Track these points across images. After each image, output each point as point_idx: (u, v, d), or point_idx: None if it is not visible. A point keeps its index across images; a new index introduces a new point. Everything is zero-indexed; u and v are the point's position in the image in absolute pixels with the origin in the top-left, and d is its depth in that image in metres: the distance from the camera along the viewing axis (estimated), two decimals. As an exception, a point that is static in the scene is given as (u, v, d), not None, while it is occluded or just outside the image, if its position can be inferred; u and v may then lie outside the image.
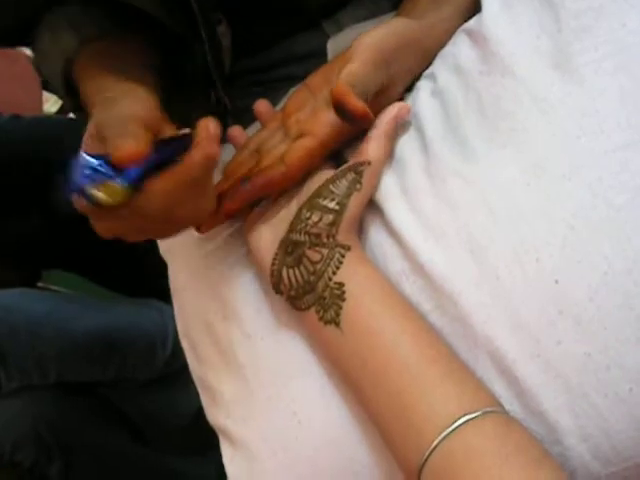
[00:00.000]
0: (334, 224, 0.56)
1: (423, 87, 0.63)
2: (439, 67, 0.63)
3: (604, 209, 0.50)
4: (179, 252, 0.69)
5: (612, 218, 0.50)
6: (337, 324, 0.54)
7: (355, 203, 0.57)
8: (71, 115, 1.49)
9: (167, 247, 0.69)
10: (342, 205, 0.56)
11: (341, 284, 0.54)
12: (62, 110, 1.58)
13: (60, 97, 0.74)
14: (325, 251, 0.55)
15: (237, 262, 0.65)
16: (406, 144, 0.60)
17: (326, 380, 0.57)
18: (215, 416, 0.63)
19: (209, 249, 0.68)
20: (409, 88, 0.65)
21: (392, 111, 0.60)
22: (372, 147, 0.58)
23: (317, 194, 0.58)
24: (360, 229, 0.60)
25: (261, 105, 0.68)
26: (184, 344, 0.68)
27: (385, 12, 0.77)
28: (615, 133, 0.52)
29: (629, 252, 0.49)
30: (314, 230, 0.56)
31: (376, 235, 0.58)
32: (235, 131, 0.69)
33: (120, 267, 1.39)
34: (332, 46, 0.77)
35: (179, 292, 0.69)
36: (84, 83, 0.62)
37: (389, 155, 0.60)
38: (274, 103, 0.72)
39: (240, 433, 0.61)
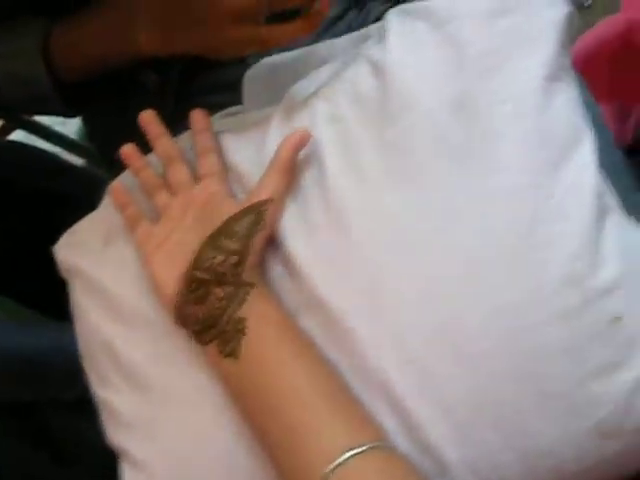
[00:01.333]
0: (239, 264, 0.57)
1: (320, 110, 0.63)
2: (337, 91, 0.63)
3: (495, 246, 0.53)
4: (78, 271, 0.69)
5: (502, 254, 0.53)
6: (236, 357, 0.55)
7: (258, 242, 0.58)
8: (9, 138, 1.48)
9: (67, 266, 0.70)
10: (245, 246, 0.58)
11: (243, 319, 0.55)
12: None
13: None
14: (230, 289, 0.57)
15: (136, 283, 0.65)
16: (306, 174, 0.61)
17: (224, 409, 0.58)
18: (116, 437, 0.64)
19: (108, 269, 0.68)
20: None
21: (292, 141, 0.60)
22: (273, 182, 0.59)
23: (220, 232, 0.58)
24: (262, 262, 0.61)
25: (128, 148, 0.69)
26: (85, 365, 0.68)
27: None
28: (514, 175, 0.54)
29: (517, 289, 0.52)
30: (220, 269, 0.57)
31: (276, 269, 0.60)
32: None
33: (46, 290, 1.37)
34: (248, 78, 0.79)
35: (78, 312, 0.69)
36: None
37: (290, 187, 0.61)
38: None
39: (141, 455, 0.61)
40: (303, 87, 0.67)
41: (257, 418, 0.54)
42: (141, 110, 0.68)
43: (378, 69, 0.60)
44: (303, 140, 0.60)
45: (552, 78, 0.56)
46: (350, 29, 0.93)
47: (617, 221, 0.55)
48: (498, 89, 0.56)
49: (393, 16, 0.61)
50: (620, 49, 1.31)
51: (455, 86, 0.56)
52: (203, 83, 0.94)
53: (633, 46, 1.29)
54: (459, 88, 0.56)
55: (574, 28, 0.60)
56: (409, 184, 0.56)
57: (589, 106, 0.68)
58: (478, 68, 0.57)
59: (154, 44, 0.71)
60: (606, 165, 0.61)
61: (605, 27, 1.34)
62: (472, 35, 0.58)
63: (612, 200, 0.56)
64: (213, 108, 0.75)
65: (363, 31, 0.71)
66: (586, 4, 1.81)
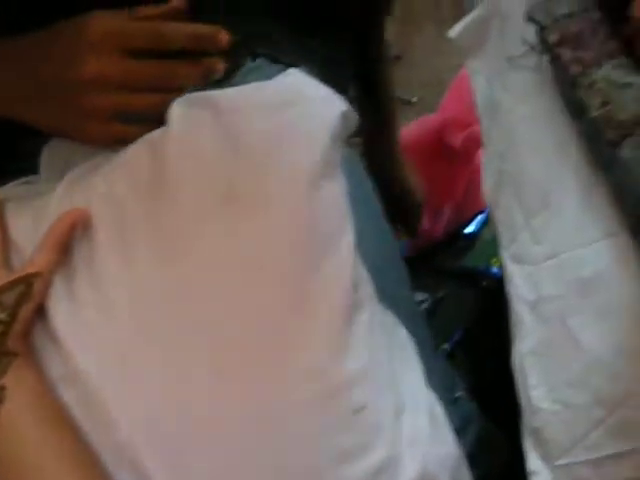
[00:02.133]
0: (4, 334, 0.56)
1: (98, 188, 0.63)
2: (114, 170, 0.64)
3: (243, 338, 0.55)
4: None
5: (251, 346, 0.55)
6: None
7: (25, 314, 0.57)
8: None
9: None
10: (12, 316, 0.57)
11: (3, 388, 0.54)
12: None
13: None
14: None
15: None
16: (77, 250, 0.61)
17: None
18: None
19: None
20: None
21: (67, 218, 0.61)
22: (44, 256, 0.59)
23: None
24: (28, 333, 0.60)
25: None
26: None
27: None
28: (269, 269, 0.56)
29: (265, 379, 0.53)
30: None
31: (42, 340, 0.59)
32: None
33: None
34: (49, 147, 0.78)
35: None
36: None
37: (61, 262, 0.60)
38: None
39: None
40: (92, 163, 0.68)
41: None
42: None
43: (156, 151, 0.61)
44: (78, 218, 0.61)
45: (320, 174, 0.59)
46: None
47: (368, 315, 0.58)
48: (267, 181, 0.58)
49: (178, 102, 0.63)
50: (433, 148, 1.40)
51: (226, 174, 0.58)
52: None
53: (445, 146, 1.37)
54: (230, 176, 0.58)
55: (349, 126, 0.64)
56: (174, 263, 0.57)
57: (367, 201, 0.72)
58: (251, 158, 0.59)
59: None
60: (377, 259, 0.65)
61: (421, 125, 1.42)
62: (248, 126, 0.60)
63: (367, 294, 0.59)
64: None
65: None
66: (412, 100, 1.92)
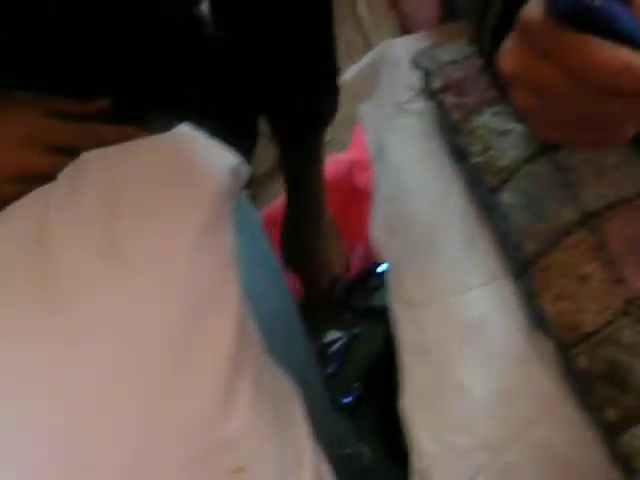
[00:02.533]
0: None
1: None
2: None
3: (126, 390, 0.53)
4: None
5: (135, 397, 0.53)
6: None
7: None
8: None
9: None
10: None
11: None
12: None
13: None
14: None
15: None
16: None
17: None
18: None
19: None
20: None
21: None
22: None
23: None
24: None
25: None
26: None
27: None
28: (154, 326, 0.55)
29: (146, 434, 0.52)
30: None
31: None
32: None
33: None
34: None
35: None
36: None
37: None
38: None
39: None
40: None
41: None
42: None
43: (42, 209, 0.60)
44: None
45: (206, 231, 0.58)
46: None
47: (254, 371, 0.57)
48: (151, 237, 0.57)
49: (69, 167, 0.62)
50: (343, 187, 1.40)
51: (110, 232, 0.57)
52: None
53: (354, 185, 1.38)
54: (113, 234, 0.57)
55: (239, 180, 0.64)
56: (58, 319, 0.55)
57: (261, 256, 0.72)
58: (134, 216, 0.58)
59: None
60: (268, 314, 0.64)
61: (332, 165, 1.43)
62: (134, 183, 0.59)
63: (254, 349, 0.58)
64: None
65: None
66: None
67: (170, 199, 0.59)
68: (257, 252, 0.83)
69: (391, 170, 0.71)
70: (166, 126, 0.66)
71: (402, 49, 0.72)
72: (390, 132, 0.72)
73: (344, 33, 0.91)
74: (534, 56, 0.41)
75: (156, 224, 0.58)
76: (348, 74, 0.75)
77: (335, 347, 1.48)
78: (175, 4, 0.72)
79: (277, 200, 1.36)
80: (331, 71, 0.80)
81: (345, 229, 1.35)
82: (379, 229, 0.72)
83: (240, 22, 0.76)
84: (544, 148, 0.60)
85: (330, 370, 1.43)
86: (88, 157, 0.62)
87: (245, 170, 0.65)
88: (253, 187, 0.91)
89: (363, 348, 1.50)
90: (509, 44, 0.43)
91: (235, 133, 0.72)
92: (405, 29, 0.96)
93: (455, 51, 0.67)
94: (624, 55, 0.38)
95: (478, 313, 0.63)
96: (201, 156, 0.62)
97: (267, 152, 1.13)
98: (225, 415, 0.52)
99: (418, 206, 0.68)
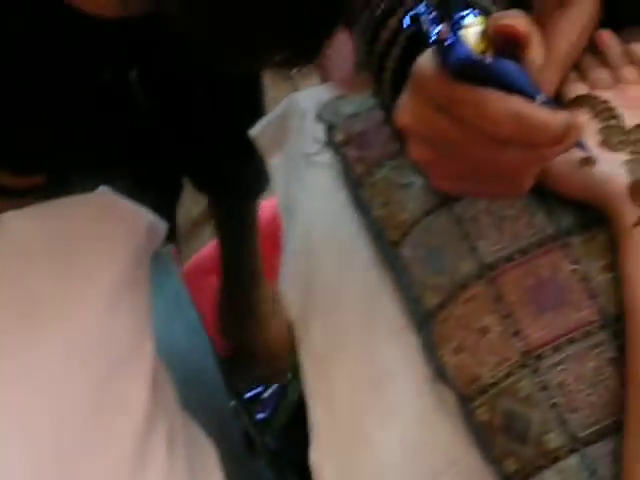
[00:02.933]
0: None
1: None
2: None
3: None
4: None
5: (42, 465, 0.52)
6: None
7: None
8: None
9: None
10: None
11: None
12: None
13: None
14: None
15: None
16: None
17: None
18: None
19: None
20: None
21: None
22: None
23: None
24: None
25: None
26: None
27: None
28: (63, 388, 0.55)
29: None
30: None
31: None
32: None
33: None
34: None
35: None
36: None
37: None
38: None
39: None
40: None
41: None
42: None
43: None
44: None
45: (121, 289, 0.59)
46: None
47: (168, 427, 0.56)
48: (67, 297, 0.57)
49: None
50: (270, 233, 1.40)
51: (26, 290, 0.57)
52: None
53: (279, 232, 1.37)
54: (30, 291, 0.56)
55: (157, 237, 0.63)
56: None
57: (181, 312, 0.72)
58: (51, 275, 0.58)
59: None
60: (185, 369, 0.64)
61: (261, 210, 1.42)
62: (50, 242, 0.59)
63: (168, 406, 0.58)
64: None
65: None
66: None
67: (84, 260, 0.60)
68: (176, 306, 0.83)
69: (299, 223, 0.71)
70: (85, 186, 0.66)
71: (308, 101, 0.73)
72: (298, 185, 0.72)
73: (271, 88, 0.91)
74: (428, 109, 0.42)
75: (69, 286, 0.58)
76: (256, 128, 0.75)
77: (269, 392, 1.47)
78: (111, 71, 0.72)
79: (205, 248, 1.35)
80: None
81: (272, 274, 1.35)
82: (288, 282, 0.72)
83: (168, 90, 0.76)
84: (444, 200, 0.60)
85: (264, 415, 1.42)
86: (5, 217, 0.61)
87: (162, 228, 0.65)
88: (180, 237, 0.90)
89: (296, 394, 1.49)
90: (404, 97, 0.44)
91: (157, 188, 0.72)
92: (325, 79, 0.97)
93: (357, 103, 0.68)
94: (513, 105, 0.39)
95: (384, 365, 0.63)
96: (116, 216, 0.63)
97: (194, 201, 1.12)
98: (138, 472, 0.51)
99: (325, 259, 0.68)
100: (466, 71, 0.40)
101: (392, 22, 0.54)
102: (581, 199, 0.56)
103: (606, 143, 0.55)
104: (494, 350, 0.55)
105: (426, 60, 0.42)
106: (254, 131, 0.76)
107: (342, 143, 0.66)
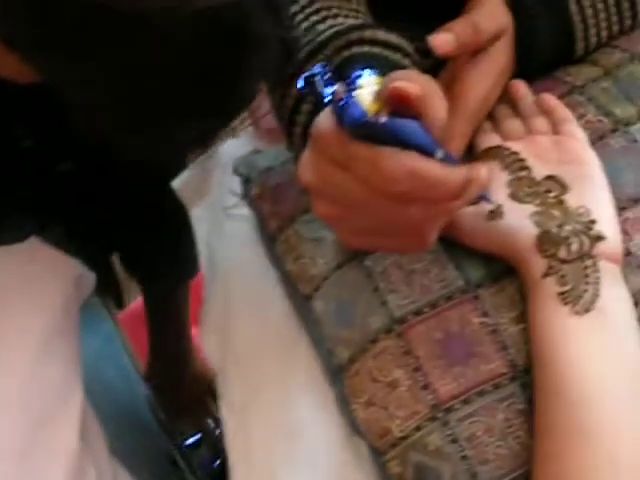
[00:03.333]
0: None
1: None
2: None
3: None
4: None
5: None
6: None
7: None
8: None
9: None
10: None
11: None
12: None
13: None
14: None
15: None
16: None
17: None
18: None
19: None
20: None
21: None
22: None
23: None
24: None
25: None
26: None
27: None
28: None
29: None
30: None
31: None
32: None
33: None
34: None
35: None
36: None
37: None
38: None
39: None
40: None
41: None
42: None
43: None
44: None
45: (49, 339, 0.59)
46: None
47: (96, 474, 0.56)
48: None
49: None
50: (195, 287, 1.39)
51: None
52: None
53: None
54: None
55: (86, 287, 0.63)
56: None
57: (115, 357, 0.72)
58: None
59: None
60: (117, 415, 0.64)
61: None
62: None
63: (97, 453, 0.57)
64: None
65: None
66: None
67: (13, 310, 0.59)
68: (108, 353, 0.83)
69: (219, 274, 0.72)
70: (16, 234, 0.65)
71: (228, 154, 0.73)
72: (218, 237, 0.72)
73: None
74: (329, 167, 0.42)
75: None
76: (179, 178, 0.76)
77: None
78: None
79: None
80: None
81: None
82: (207, 333, 0.72)
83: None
84: (354, 254, 0.61)
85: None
86: None
87: (91, 278, 0.65)
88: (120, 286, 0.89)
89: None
90: (306, 154, 0.44)
91: (91, 238, 0.72)
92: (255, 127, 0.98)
93: (273, 157, 0.69)
94: (408, 161, 0.39)
95: (300, 416, 0.63)
96: (45, 266, 0.63)
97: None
98: None
99: (243, 311, 0.69)
100: (361, 131, 0.40)
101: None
102: (490, 251, 0.56)
103: (515, 195, 0.56)
104: (404, 403, 0.56)
105: (324, 119, 0.42)
106: (177, 182, 0.76)
107: (257, 197, 0.67)
